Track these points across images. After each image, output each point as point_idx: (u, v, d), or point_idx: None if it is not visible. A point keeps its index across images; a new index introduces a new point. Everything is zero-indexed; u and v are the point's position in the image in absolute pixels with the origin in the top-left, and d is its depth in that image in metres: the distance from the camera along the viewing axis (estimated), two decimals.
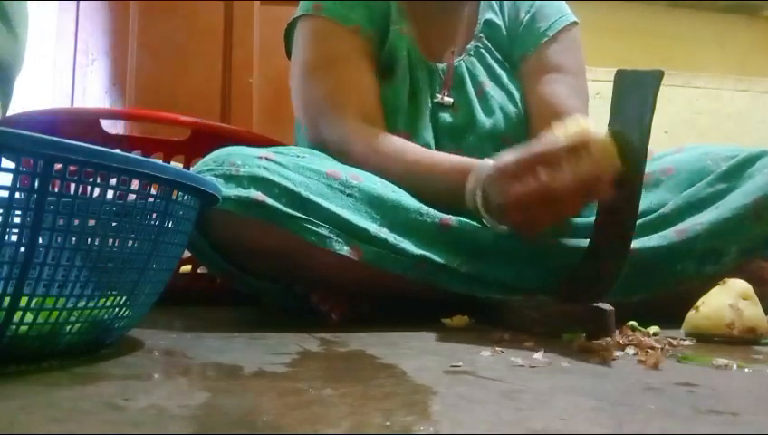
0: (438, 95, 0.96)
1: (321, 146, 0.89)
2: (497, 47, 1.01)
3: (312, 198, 0.73)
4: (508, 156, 0.71)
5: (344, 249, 0.73)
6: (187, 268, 1.00)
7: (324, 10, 0.93)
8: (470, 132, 0.95)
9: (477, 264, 0.77)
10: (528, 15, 1.01)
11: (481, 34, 1.00)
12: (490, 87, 0.98)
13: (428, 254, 0.75)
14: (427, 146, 0.92)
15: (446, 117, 0.96)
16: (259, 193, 0.72)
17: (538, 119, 0.95)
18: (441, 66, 0.98)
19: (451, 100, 0.96)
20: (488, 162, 0.75)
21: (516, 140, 0.87)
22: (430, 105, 0.96)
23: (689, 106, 2.39)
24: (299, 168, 0.76)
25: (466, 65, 0.98)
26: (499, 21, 1.02)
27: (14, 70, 1.10)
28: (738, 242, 0.79)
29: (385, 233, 0.75)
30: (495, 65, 0.99)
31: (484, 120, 0.95)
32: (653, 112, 0.61)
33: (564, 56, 0.98)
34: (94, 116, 0.97)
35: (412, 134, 0.93)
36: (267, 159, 0.75)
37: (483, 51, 1.00)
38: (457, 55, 0.99)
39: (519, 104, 0.98)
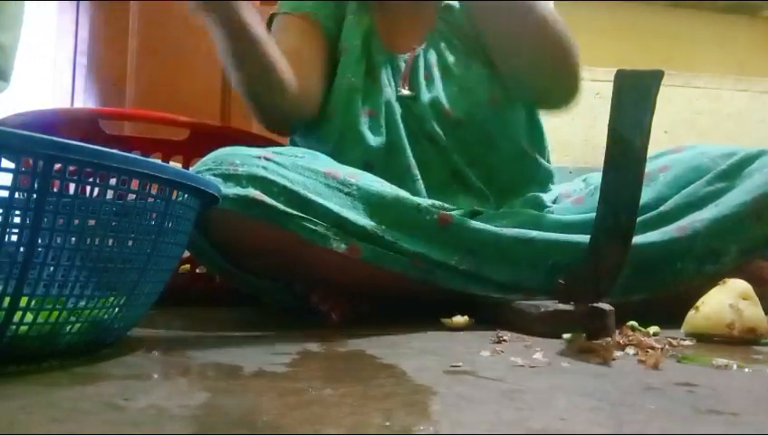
0: (400, 89, 0.97)
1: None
2: (454, 31, 1.00)
3: (311, 196, 0.74)
4: None
5: (342, 247, 0.73)
6: (185, 268, 1.00)
7: (284, 5, 1.01)
8: (421, 114, 0.95)
9: (476, 261, 0.77)
10: None
11: (439, 23, 1.01)
12: (437, 71, 0.97)
13: (426, 251, 0.76)
14: (395, 124, 0.94)
15: (407, 105, 0.96)
16: (258, 192, 0.72)
17: None
18: (403, 57, 0.99)
19: (408, 93, 0.97)
20: None
21: (459, 114, 0.93)
22: (395, 93, 0.96)
23: (689, 106, 2.39)
24: (297, 167, 0.76)
25: (424, 54, 0.99)
26: (457, 4, 1.02)
27: (7, 78, 1.09)
28: (738, 242, 0.79)
29: (383, 231, 0.75)
30: (447, 52, 0.99)
31: (426, 96, 0.95)
32: (653, 112, 0.61)
33: None
34: (93, 116, 0.97)
35: (376, 114, 0.94)
36: (266, 158, 0.75)
37: (437, 37, 1.00)
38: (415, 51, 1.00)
39: (465, 87, 0.96)
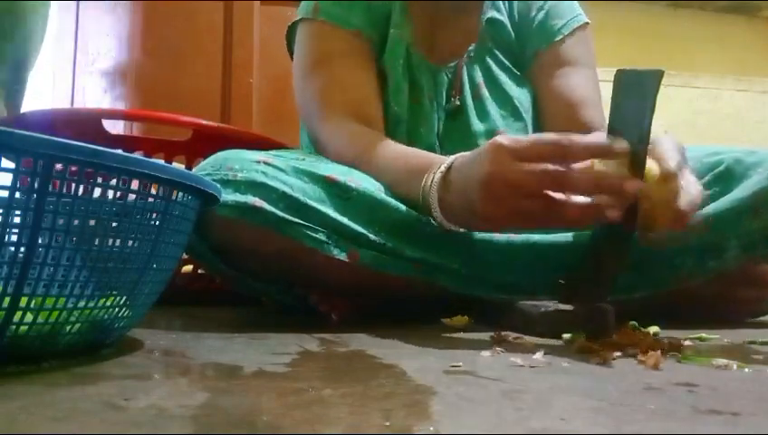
0: (452, 99, 0.95)
1: (316, 146, 0.90)
2: (500, 46, 1.00)
3: (310, 202, 0.73)
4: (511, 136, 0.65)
5: (342, 254, 0.73)
6: (188, 268, 1.00)
7: (321, 13, 0.94)
8: (467, 137, 0.93)
9: (477, 265, 0.77)
10: (541, 13, 0.99)
11: (484, 35, 0.99)
12: (486, 90, 0.97)
13: (428, 256, 0.75)
14: (432, 150, 0.92)
15: (449, 122, 0.95)
16: (257, 199, 0.72)
17: (556, 109, 0.95)
18: (447, 68, 0.97)
19: (459, 104, 0.96)
20: (456, 156, 0.72)
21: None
22: (436, 109, 0.96)
23: (689, 106, 2.39)
24: (297, 172, 0.75)
25: (467, 67, 0.98)
26: (504, 18, 1.00)
27: (28, 69, 1.13)
28: (737, 236, 0.78)
29: (383, 237, 0.74)
30: (495, 67, 0.98)
31: (479, 126, 0.95)
32: (653, 112, 0.61)
33: (578, 51, 0.98)
34: (96, 116, 0.97)
35: (415, 141, 0.92)
36: (265, 163, 0.74)
37: (483, 52, 0.99)
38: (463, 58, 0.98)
39: (517, 107, 0.97)
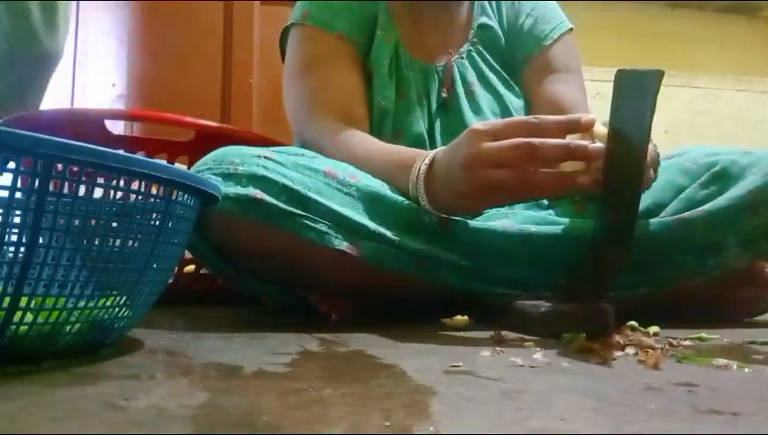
0: (443, 93, 0.98)
1: (304, 147, 0.91)
2: (491, 50, 1.04)
3: (311, 195, 0.74)
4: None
5: (343, 244, 0.73)
6: (190, 268, 1.01)
7: (310, 17, 0.97)
8: (460, 131, 0.95)
9: (477, 259, 0.77)
10: (529, 19, 1.04)
11: (475, 39, 1.03)
12: (478, 88, 1.00)
13: (428, 249, 0.76)
14: (421, 146, 0.93)
15: (440, 117, 0.98)
16: (258, 191, 0.72)
17: (548, 114, 0.98)
18: (437, 66, 1.00)
19: (446, 96, 0.99)
20: (438, 149, 0.76)
21: None
22: (426, 105, 0.98)
23: (689, 106, 2.39)
24: (297, 166, 0.76)
25: (458, 67, 1.01)
26: (494, 24, 1.05)
27: (55, 63, 1.17)
28: (736, 234, 0.79)
29: (384, 230, 0.75)
30: (486, 69, 1.02)
31: (473, 119, 0.97)
32: (653, 112, 0.61)
33: (568, 58, 1.03)
34: (99, 117, 0.97)
35: (404, 135, 0.95)
36: (266, 157, 0.75)
37: (474, 54, 1.03)
38: (452, 56, 1.01)
39: (507, 105, 1.00)
